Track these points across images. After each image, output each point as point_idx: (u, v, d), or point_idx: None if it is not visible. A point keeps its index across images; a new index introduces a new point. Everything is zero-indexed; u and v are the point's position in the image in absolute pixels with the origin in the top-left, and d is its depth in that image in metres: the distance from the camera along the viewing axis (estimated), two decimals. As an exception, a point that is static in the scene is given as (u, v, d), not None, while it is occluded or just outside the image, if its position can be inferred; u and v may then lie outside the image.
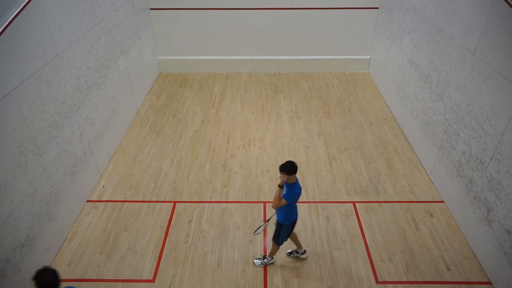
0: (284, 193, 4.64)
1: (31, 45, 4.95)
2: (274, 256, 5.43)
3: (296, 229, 5.95)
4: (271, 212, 6.29)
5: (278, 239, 5.11)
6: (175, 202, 6.51)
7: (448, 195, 6.36)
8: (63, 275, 5.26)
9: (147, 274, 5.33)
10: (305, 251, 5.52)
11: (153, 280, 5.24)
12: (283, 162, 4.56)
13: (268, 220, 5.20)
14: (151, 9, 9.96)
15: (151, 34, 10.08)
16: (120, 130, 8.04)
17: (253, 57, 10.78)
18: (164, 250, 5.66)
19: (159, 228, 6.03)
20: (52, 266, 5.39)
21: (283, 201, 4.63)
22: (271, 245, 5.28)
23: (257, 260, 5.43)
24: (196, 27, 10.26)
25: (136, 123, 8.65)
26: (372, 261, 5.49)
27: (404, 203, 6.45)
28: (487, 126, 5.28)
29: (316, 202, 6.49)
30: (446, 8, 6.40)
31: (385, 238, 5.83)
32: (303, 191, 6.69)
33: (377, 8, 9.93)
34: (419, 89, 7.46)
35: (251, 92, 9.96)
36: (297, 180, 4.70)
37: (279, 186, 4.60)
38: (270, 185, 6.86)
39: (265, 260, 5.40)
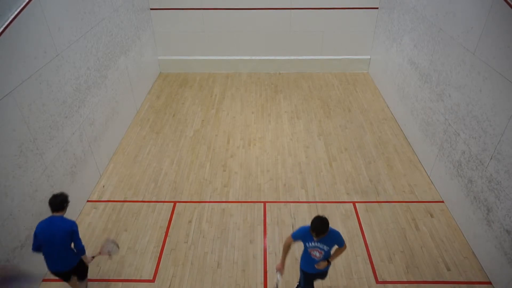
0: (337, 241, 4.15)
1: (31, 45, 4.95)
2: None
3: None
4: (272, 213, 6.30)
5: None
6: (175, 202, 6.51)
7: (448, 195, 6.36)
8: (63, 275, 5.27)
9: (147, 274, 5.33)
10: None
11: (153, 280, 5.24)
12: (315, 222, 3.94)
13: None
14: (151, 9, 9.96)
15: (151, 34, 10.08)
16: (120, 130, 8.04)
17: (253, 57, 10.78)
18: (164, 250, 5.66)
19: (159, 228, 6.03)
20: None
21: (344, 247, 4.23)
22: None
23: None
24: (196, 27, 10.27)
25: (136, 123, 8.65)
26: (372, 261, 5.49)
27: (404, 203, 6.45)
28: (487, 126, 5.28)
29: (316, 202, 6.49)
30: (446, 8, 6.40)
31: (385, 238, 5.83)
32: (303, 191, 6.71)
33: (377, 8, 9.93)
34: (419, 89, 7.46)
35: (251, 92, 9.96)
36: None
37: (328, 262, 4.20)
38: (270, 185, 6.86)
39: None
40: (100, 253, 4.71)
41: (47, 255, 4.29)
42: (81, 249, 4.37)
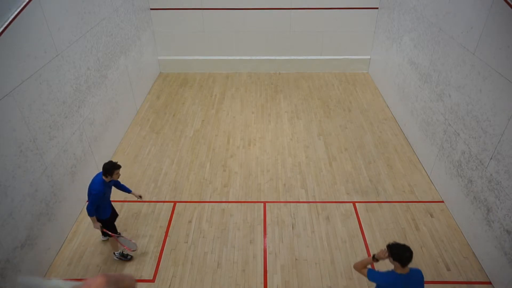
0: (373, 272, 3.77)
1: (31, 45, 4.95)
2: None
3: (297, 230, 5.98)
4: (272, 213, 6.30)
5: None
6: (175, 202, 6.51)
7: (448, 195, 6.36)
8: (63, 275, 5.29)
9: (147, 274, 5.33)
10: None
11: (153, 280, 5.24)
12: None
13: None
14: (151, 9, 9.96)
15: (151, 34, 10.08)
16: (120, 130, 8.04)
17: (253, 57, 10.78)
18: (164, 250, 5.66)
19: (159, 228, 6.03)
20: (53, 265, 5.41)
21: (364, 272, 3.78)
22: None
23: None
24: (196, 27, 10.27)
25: (136, 123, 8.65)
26: (372, 261, 5.48)
27: (404, 203, 6.45)
28: (487, 126, 5.28)
29: (316, 202, 6.49)
30: (446, 8, 6.40)
31: (385, 238, 5.82)
32: (302, 191, 6.71)
33: (377, 8, 9.93)
34: (419, 89, 7.46)
35: (251, 92, 9.96)
36: (408, 273, 3.61)
37: (373, 257, 3.82)
38: (270, 185, 6.86)
39: None
40: (113, 236, 5.34)
41: None
42: (88, 211, 5.00)
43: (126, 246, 5.30)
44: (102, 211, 5.16)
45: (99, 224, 5.16)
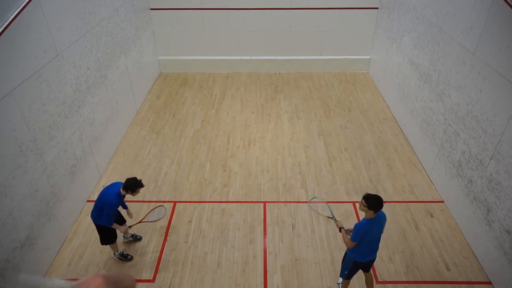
0: (353, 235, 4.33)
1: (31, 45, 4.95)
2: None
3: (297, 230, 5.98)
4: (272, 213, 6.30)
5: (341, 269, 4.86)
6: (175, 202, 6.51)
7: (448, 195, 6.36)
8: (63, 275, 5.29)
9: (147, 274, 5.33)
10: None
11: (153, 280, 5.25)
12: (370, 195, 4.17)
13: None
14: (151, 9, 9.96)
15: (151, 34, 10.08)
16: (120, 130, 8.04)
17: (253, 57, 10.79)
18: (164, 250, 5.67)
19: (159, 228, 6.03)
20: (53, 265, 5.41)
21: (349, 243, 4.40)
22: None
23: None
24: (196, 27, 10.27)
25: (136, 123, 8.65)
26: (372, 261, 5.48)
27: (404, 203, 6.45)
28: (487, 126, 5.28)
29: (316, 202, 6.48)
30: (446, 8, 6.40)
31: (385, 238, 5.82)
32: (302, 191, 6.71)
33: (377, 8, 9.93)
34: (419, 89, 7.46)
35: (251, 92, 9.96)
36: (376, 217, 4.23)
37: (341, 229, 4.56)
38: (270, 185, 6.86)
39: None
40: (140, 221, 5.38)
41: None
42: (102, 221, 4.89)
43: (154, 218, 5.27)
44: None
45: (126, 226, 5.13)
